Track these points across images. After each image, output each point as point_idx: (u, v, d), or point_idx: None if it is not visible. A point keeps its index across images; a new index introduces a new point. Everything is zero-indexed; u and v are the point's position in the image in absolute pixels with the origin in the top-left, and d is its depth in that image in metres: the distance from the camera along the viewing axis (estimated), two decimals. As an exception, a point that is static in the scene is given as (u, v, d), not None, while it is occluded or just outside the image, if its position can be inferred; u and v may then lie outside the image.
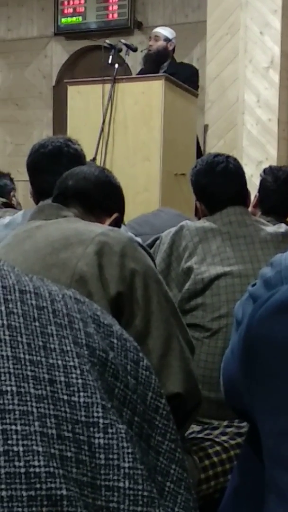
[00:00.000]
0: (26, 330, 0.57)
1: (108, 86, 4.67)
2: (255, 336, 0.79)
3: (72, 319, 0.60)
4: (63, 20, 7.52)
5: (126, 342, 0.63)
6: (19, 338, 0.56)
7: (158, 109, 4.58)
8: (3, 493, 0.49)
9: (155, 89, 4.60)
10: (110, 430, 0.55)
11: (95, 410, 0.55)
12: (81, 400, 0.55)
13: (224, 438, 1.71)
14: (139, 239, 1.74)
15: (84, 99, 4.82)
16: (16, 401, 0.53)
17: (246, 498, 0.90)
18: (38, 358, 0.55)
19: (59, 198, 1.58)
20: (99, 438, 0.54)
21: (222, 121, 5.17)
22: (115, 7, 7.21)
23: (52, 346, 0.57)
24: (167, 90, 4.62)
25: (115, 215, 1.59)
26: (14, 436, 0.51)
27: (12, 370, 0.54)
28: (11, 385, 0.53)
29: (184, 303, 2.11)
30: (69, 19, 7.49)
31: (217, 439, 1.69)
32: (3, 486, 0.49)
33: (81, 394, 0.55)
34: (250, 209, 2.64)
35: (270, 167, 3.03)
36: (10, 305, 0.58)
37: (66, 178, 1.61)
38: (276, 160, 4.82)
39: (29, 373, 0.54)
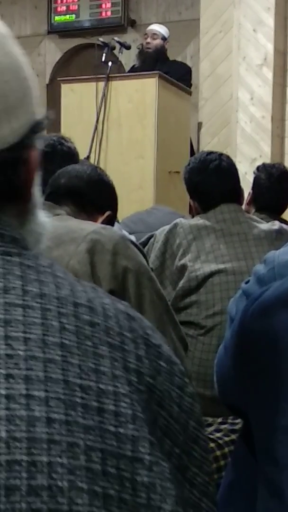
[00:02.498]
0: (78, 350, 0.55)
1: (101, 84, 4.66)
2: (247, 332, 0.79)
3: (123, 339, 0.58)
4: (57, 18, 7.50)
5: (173, 366, 0.62)
6: (70, 359, 0.54)
7: (152, 107, 4.57)
8: None
9: (149, 87, 4.59)
10: (155, 469, 0.53)
11: (141, 445, 0.53)
12: (129, 433, 0.53)
13: (218, 435, 1.71)
14: (132, 237, 1.74)
15: (78, 97, 4.81)
16: (63, 431, 0.50)
17: (239, 493, 0.90)
18: (89, 383, 0.53)
19: (52, 196, 1.57)
20: (143, 475, 0.52)
21: (215, 119, 5.17)
22: (109, 5, 7.19)
23: (103, 369, 0.55)
24: (161, 88, 4.62)
25: (107, 213, 1.59)
26: (60, 470, 0.49)
27: (62, 396, 0.52)
28: (59, 413, 0.51)
29: (178, 300, 2.11)
30: (62, 17, 7.47)
31: (211, 436, 1.70)
32: None
33: (130, 426, 0.53)
34: (244, 206, 2.64)
35: (264, 164, 3.03)
36: (64, 320, 0.56)
37: (59, 176, 1.60)
38: (270, 157, 4.82)
39: (78, 400, 0.52)
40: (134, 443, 0.53)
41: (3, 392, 0.50)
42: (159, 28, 5.39)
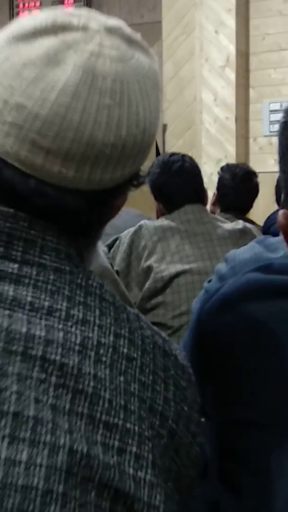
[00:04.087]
0: (110, 384, 0.55)
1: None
2: (203, 329, 0.80)
3: (155, 379, 0.59)
4: (19, 22, 7.48)
5: (193, 412, 0.64)
6: (101, 393, 0.54)
7: (116, 110, 4.58)
8: None
9: (112, 90, 4.59)
10: None
11: (158, 492, 0.55)
12: (147, 478, 0.54)
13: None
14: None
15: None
16: (83, 463, 0.52)
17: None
18: (115, 420, 0.54)
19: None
20: None
21: (180, 121, 5.19)
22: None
23: (132, 407, 0.55)
24: (125, 90, 4.63)
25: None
26: (72, 504, 0.51)
27: (83, 433, 0.52)
28: (82, 446, 0.52)
29: (145, 302, 2.12)
30: (24, 22, 7.45)
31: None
32: None
33: (149, 471, 0.54)
34: (209, 206, 2.66)
35: (228, 165, 3.06)
36: (101, 351, 0.56)
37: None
38: (235, 157, 4.85)
39: (99, 438, 0.53)
40: (151, 489, 0.54)
41: (32, 413, 0.51)
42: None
